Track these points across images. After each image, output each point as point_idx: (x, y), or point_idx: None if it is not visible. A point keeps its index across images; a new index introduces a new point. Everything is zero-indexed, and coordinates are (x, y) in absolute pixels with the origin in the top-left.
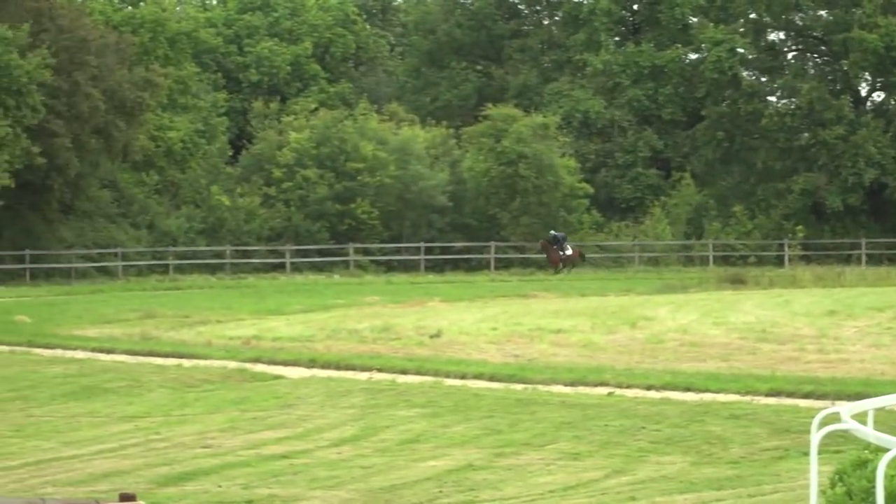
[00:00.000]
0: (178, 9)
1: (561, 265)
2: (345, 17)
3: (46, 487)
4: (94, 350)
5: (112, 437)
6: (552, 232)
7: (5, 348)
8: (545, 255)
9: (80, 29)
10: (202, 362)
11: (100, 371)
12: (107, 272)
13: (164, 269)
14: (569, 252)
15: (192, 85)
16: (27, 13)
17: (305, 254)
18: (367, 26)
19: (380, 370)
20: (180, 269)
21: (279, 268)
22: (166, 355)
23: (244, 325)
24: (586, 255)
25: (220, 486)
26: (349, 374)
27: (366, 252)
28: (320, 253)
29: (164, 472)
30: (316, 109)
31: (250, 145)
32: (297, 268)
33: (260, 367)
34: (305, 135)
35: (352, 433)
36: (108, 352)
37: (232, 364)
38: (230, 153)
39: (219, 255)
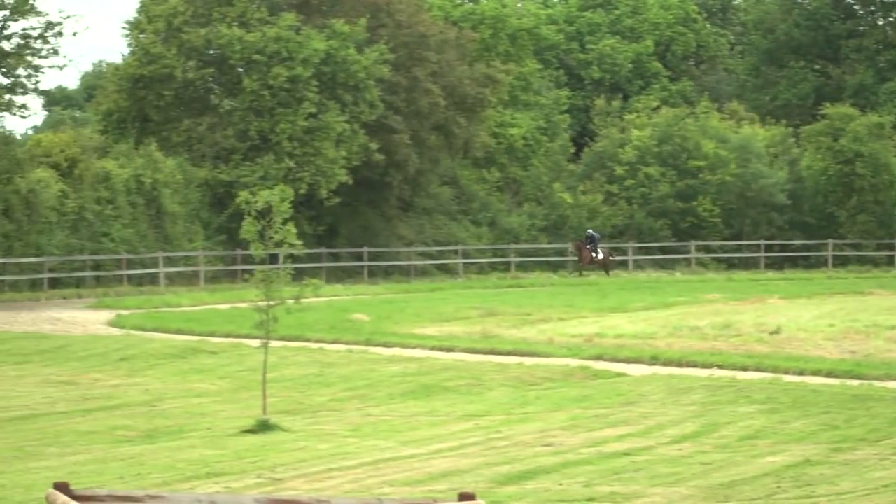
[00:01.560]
0: (518, 5)
1: (592, 265)
2: (685, 16)
3: (383, 487)
4: (433, 348)
5: (452, 436)
6: (589, 231)
7: (343, 347)
8: (577, 255)
9: (419, 24)
10: (543, 360)
11: (439, 370)
12: (446, 270)
13: (506, 267)
14: (599, 256)
15: (533, 82)
16: (364, 8)
17: (647, 251)
18: (707, 25)
19: (720, 367)
20: (522, 267)
21: (621, 265)
22: (507, 353)
23: (586, 323)
24: (614, 255)
25: (560, 485)
26: (690, 371)
27: (707, 250)
28: (662, 250)
29: (505, 470)
30: (658, 107)
31: (592, 142)
32: (639, 265)
33: (602, 365)
34: (647, 132)
35: (692, 430)
36: (448, 350)
37: (574, 362)
38: (572, 150)
39: (561, 252)
